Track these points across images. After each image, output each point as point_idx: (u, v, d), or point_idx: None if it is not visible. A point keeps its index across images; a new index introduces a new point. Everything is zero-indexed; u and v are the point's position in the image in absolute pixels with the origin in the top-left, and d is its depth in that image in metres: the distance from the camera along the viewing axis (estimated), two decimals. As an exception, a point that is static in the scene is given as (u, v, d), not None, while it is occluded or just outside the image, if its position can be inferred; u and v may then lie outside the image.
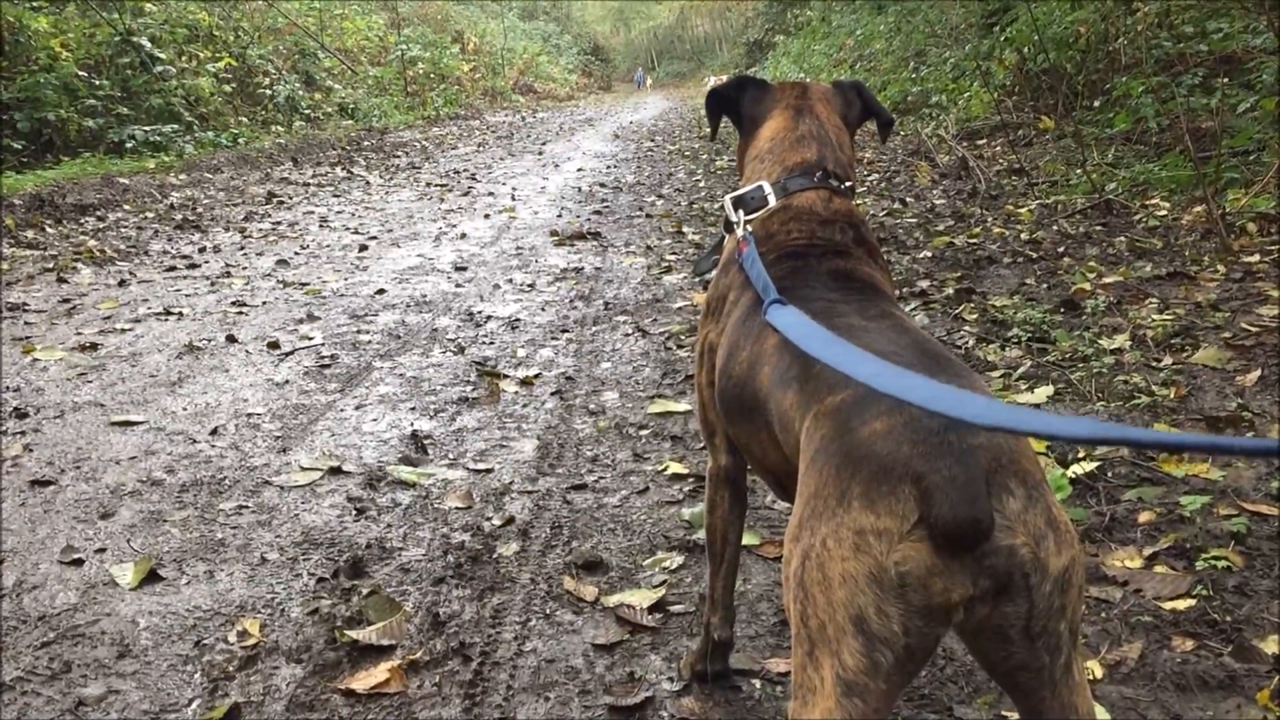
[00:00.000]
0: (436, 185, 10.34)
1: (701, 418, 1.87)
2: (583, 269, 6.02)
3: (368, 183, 10.67)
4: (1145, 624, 2.11)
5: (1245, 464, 2.73)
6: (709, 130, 2.08)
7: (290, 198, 9.54)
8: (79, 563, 2.59)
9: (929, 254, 5.64)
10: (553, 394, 3.80)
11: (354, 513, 2.85)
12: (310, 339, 4.62)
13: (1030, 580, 1.10)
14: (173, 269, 6.28)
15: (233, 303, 5.34)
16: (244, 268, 6.30)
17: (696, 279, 5.45)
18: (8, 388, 3.98)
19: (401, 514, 2.84)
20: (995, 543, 1.08)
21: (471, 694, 2.02)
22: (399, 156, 13.35)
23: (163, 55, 13.00)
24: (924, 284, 4.96)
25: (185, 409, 3.72)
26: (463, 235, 7.31)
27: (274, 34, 17.53)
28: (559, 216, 8.07)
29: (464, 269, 6.12)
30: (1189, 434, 1.30)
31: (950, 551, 1.08)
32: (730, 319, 1.68)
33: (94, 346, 4.54)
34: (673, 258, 6.21)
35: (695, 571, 2.46)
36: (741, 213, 1.77)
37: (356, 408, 3.71)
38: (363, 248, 6.88)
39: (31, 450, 3.34)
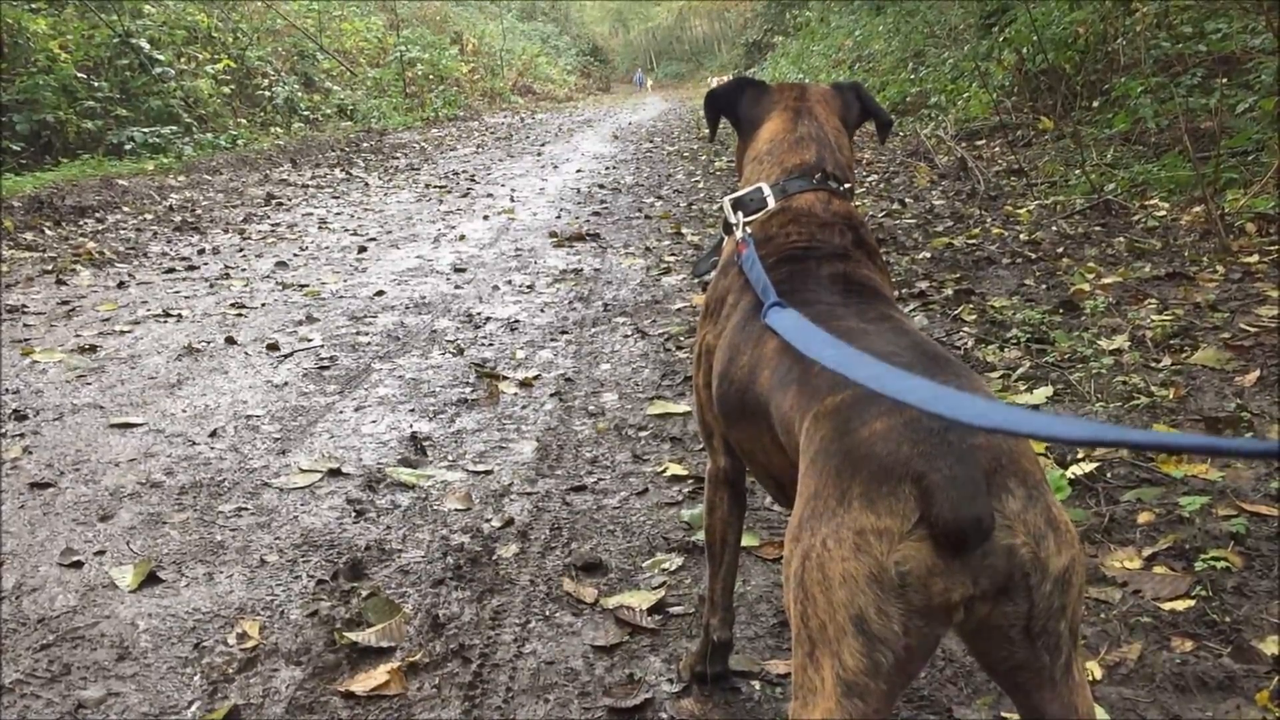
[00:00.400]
0: (435, 187, 10.34)
1: (700, 419, 1.87)
2: (582, 270, 6.02)
3: (367, 184, 10.66)
4: (1145, 625, 2.11)
5: (1244, 465, 2.73)
6: (708, 131, 2.08)
7: (289, 199, 9.54)
8: (78, 565, 2.59)
9: (928, 255, 5.65)
10: (552, 395, 3.80)
11: (353, 515, 2.85)
12: (309, 341, 4.62)
13: (1030, 580, 1.10)
14: (172, 271, 6.28)
15: (232, 304, 5.34)
16: (243, 269, 6.30)
17: (695, 280, 5.45)
18: (7, 390, 3.98)
19: (401, 516, 2.84)
20: (995, 542, 1.09)
21: (471, 696, 2.02)
22: (398, 158, 13.34)
23: (162, 57, 13.00)
24: (923, 285, 4.96)
25: (184, 411, 3.72)
26: (462, 237, 7.31)
27: (273, 35, 17.53)
28: (558, 218, 8.07)
29: (463, 270, 6.12)
30: (1188, 435, 1.31)
31: (951, 551, 1.08)
32: (730, 322, 1.67)
33: (93, 348, 4.54)
34: (672, 259, 6.21)
35: (694, 573, 2.46)
36: (740, 214, 1.77)
37: (356, 409, 3.71)
38: (362, 249, 6.88)
39: (31, 452, 3.34)
